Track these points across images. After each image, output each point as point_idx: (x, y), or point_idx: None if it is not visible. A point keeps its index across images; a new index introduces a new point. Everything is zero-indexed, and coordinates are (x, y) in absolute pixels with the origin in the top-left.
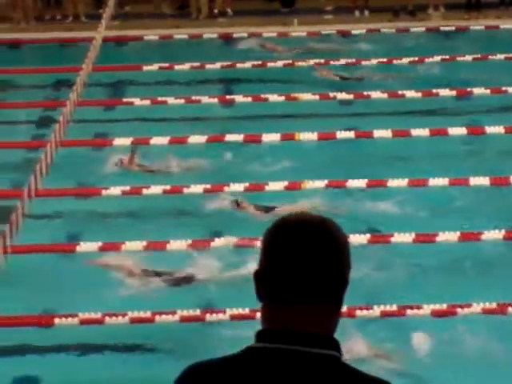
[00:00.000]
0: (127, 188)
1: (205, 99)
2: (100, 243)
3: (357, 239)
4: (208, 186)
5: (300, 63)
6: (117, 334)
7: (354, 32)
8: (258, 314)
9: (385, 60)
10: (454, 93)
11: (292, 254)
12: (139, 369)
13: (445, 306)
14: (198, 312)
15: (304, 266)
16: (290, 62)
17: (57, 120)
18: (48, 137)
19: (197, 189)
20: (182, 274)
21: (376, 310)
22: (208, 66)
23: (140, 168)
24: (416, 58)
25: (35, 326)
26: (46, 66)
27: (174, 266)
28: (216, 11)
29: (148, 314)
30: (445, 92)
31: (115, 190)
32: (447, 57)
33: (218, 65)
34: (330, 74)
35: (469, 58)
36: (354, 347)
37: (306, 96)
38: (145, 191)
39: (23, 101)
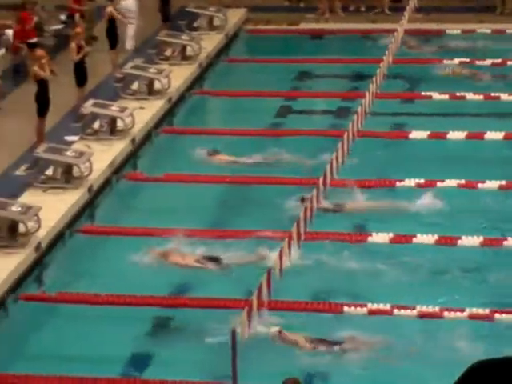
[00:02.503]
0: (422, 181)
1: (504, 96)
2: (391, 234)
3: None
4: (503, 183)
5: None
6: (402, 327)
7: None
8: None
9: None
10: None
11: None
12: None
13: None
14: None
15: None
16: None
17: (355, 111)
18: (345, 127)
19: (492, 184)
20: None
21: None
22: (510, 63)
23: None
24: None
25: (324, 313)
26: (347, 57)
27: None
28: None
29: (436, 310)
30: None
31: (409, 182)
32: None
33: None
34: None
35: None
36: None
37: None
38: (440, 183)
39: (323, 91)
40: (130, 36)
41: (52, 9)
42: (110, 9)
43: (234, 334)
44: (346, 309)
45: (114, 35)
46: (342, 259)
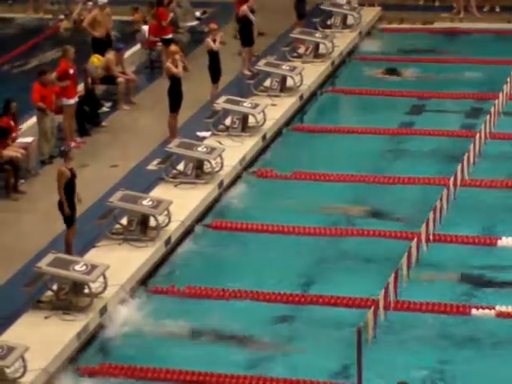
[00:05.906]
0: None
1: None
2: None
3: None
4: None
5: None
6: None
7: None
8: None
9: None
10: None
11: None
12: None
13: None
14: None
15: None
16: None
17: (488, 111)
18: (477, 128)
19: None
20: None
21: None
22: None
23: None
24: None
25: (453, 315)
26: (481, 57)
27: None
28: None
29: None
30: None
31: None
32: None
33: None
34: None
35: None
36: None
37: None
38: None
39: (456, 91)
40: None
41: (188, 5)
42: (244, 7)
43: (359, 333)
44: (473, 311)
45: (247, 34)
46: (467, 262)
